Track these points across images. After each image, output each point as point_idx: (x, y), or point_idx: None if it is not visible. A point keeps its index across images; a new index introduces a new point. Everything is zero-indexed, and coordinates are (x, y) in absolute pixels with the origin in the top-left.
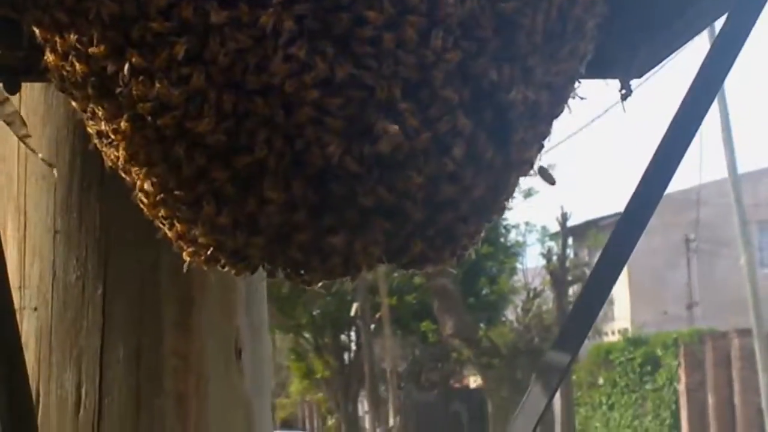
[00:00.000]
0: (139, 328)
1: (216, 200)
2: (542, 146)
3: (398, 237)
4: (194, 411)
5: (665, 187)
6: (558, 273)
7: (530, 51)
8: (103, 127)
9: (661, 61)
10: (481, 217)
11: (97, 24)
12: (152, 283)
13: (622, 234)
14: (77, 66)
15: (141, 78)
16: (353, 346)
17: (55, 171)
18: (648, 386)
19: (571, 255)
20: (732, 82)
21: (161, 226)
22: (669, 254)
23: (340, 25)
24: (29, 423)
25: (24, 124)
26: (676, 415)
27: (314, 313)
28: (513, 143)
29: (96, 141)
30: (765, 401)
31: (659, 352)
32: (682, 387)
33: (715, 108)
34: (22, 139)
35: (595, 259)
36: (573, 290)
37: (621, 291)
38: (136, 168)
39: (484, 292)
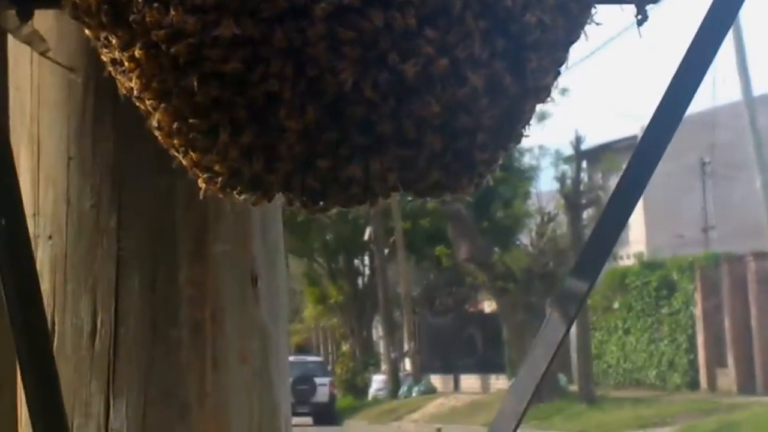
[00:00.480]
0: (154, 256)
1: (232, 128)
2: (559, 73)
3: (415, 165)
4: (210, 340)
5: (685, 110)
6: (572, 197)
7: None
8: (116, 56)
9: None
10: (499, 145)
11: None
12: (167, 211)
13: (641, 157)
14: None
15: (155, 5)
16: (367, 271)
17: (78, 78)
18: (664, 310)
19: (585, 179)
20: (746, 4)
21: (176, 154)
22: (684, 178)
23: None
24: (45, 352)
25: (43, 40)
26: (692, 339)
27: (327, 237)
28: (529, 70)
29: (110, 69)
30: None
31: (675, 276)
32: (698, 311)
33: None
34: (43, 54)
35: (610, 183)
36: (587, 214)
37: (636, 215)
38: (151, 97)
39: (498, 216)
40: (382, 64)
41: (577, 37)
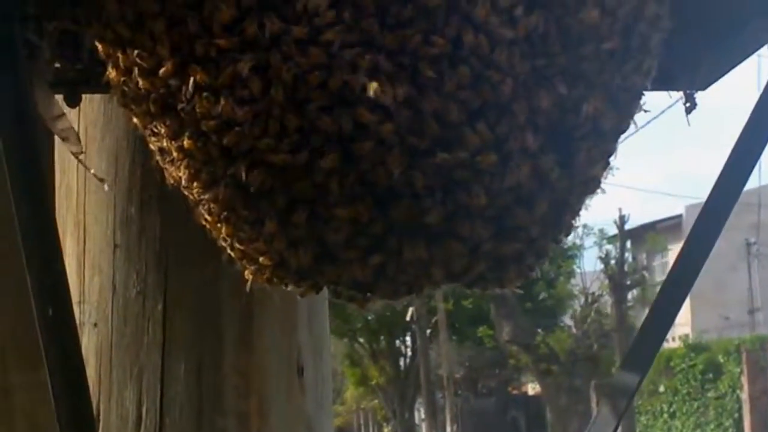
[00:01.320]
0: (199, 344)
1: (279, 218)
2: (608, 164)
3: (462, 257)
4: (256, 430)
5: (737, 198)
6: (616, 277)
7: (596, 68)
8: (164, 145)
9: (725, 74)
10: (547, 237)
11: (160, 39)
12: (213, 299)
13: (692, 248)
14: (139, 82)
15: (205, 95)
16: (409, 352)
17: (106, 186)
18: (710, 394)
19: (630, 259)
20: None
21: (223, 244)
22: (730, 258)
23: (408, 44)
24: None
25: (78, 140)
26: (739, 424)
27: (369, 317)
28: (578, 161)
29: (158, 158)
30: None
31: (721, 358)
32: (744, 395)
33: None
34: (75, 155)
35: (654, 263)
36: (632, 295)
37: None
38: (199, 186)
39: (541, 296)
40: (429, 155)
41: (627, 127)
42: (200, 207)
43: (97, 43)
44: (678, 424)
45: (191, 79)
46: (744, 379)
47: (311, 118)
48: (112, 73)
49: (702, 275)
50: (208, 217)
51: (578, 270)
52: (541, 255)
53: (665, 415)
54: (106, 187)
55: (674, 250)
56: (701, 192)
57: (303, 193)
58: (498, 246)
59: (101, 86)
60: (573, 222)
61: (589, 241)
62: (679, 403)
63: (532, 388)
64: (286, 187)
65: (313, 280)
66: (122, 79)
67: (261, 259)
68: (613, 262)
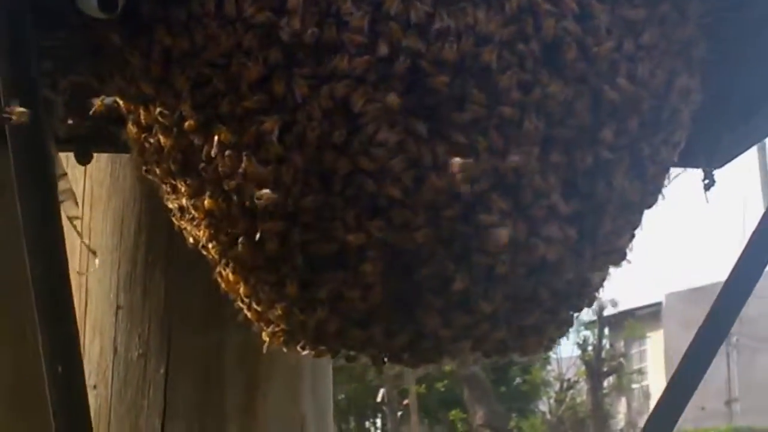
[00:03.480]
0: (201, 411)
1: (299, 281)
2: (633, 236)
3: (483, 325)
4: None
5: (751, 290)
6: (593, 364)
7: (625, 139)
8: (184, 203)
9: (742, 153)
10: (570, 307)
11: (185, 97)
12: (217, 364)
13: (700, 347)
14: (161, 139)
15: (228, 153)
16: None
17: (97, 260)
18: None
19: (607, 345)
20: None
21: (241, 305)
22: None
23: (438, 108)
24: None
25: (76, 204)
26: None
27: (339, 397)
28: (603, 233)
29: (177, 216)
30: None
31: None
32: None
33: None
34: (70, 220)
35: (632, 351)
36: (608, 382)
37: (658, 386)
38: (218, 245)
39: (516, 381)
40: (453, 228)
41: (654, 201)
42: (219, 267)
43: (117, 99)
44: None
45: (215, 138)
46: None
47: (335, 179)
48: (132, 129)
49: None
50: (227, 278)
51: (554, 356)
52: (562, 326)
53: None
54: (97, 262)
55: (653, 338)
56: (682, 280)
57: (325, 256)
58: (519, 315)
59: (111, 144)
60: (596, 293)
61: None
62: None
63: None
64: (307, 250)
65: (330, 345)
66: (143, 135)
67: (279, 320)
68: (590, 348)
